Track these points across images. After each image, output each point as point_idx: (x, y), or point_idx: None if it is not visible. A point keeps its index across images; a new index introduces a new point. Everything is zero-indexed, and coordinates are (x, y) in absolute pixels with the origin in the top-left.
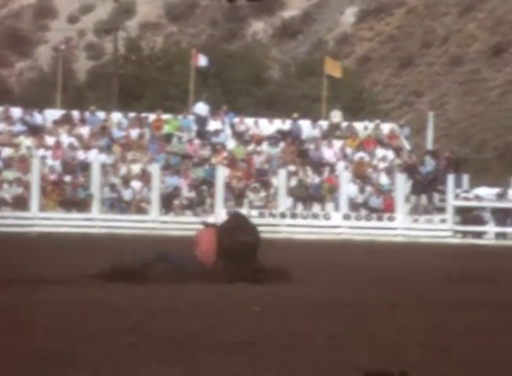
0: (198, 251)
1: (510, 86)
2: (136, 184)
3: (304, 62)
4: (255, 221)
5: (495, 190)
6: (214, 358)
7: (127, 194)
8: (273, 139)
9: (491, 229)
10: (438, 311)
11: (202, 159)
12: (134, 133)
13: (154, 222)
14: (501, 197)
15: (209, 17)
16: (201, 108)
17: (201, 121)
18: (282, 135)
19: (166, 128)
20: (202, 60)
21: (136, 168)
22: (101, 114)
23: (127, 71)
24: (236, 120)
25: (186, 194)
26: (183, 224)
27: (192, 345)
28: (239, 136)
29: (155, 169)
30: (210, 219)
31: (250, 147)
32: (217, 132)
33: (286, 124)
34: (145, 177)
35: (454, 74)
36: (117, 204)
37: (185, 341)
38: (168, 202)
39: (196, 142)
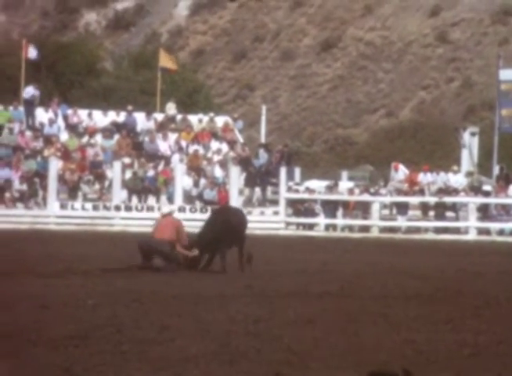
0: (158, 230)
1: (340, 81)
2: None
3: (137, 54)
4: (89, 214)
5: (325, 183)
6: (43, 352)
7: None
8: (107, 131)
9: (321, 221)
10: (268, 301)
11: (34, 151)
12: None
13: None
14: (330, 189)
15: (40, 7)
16: (29, 92)
17: (28, 107)
18: (116, 127)
19: None
20: (32, 52)
21: None
22: None
23: None
24: (70, 111)
25: (18, 187)
26: (15, 217)
27: (21, 339)
28: (72, 128)
29: None
30: (165, 209)
31: (84, 139)
32: (49, 124)
33: (120, 117)
34: None
35: (285, 68)
36: None
37: (15, 336)
38: None
39: (28, 133)
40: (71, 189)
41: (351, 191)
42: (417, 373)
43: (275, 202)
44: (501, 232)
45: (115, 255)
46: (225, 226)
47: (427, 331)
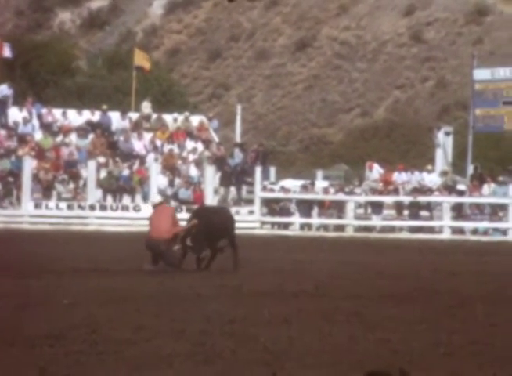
0: (154, 226)
1: (314, 81)
2: None
3: (112, 53)
4: (64, 213)
5: (301, 182)
6: (19, 351)
7: None
8: (82, 131)
9: (296, 220)
10: (243, 301)
11: (8, 150)
12: None
13: None
14: (306, 188)
15: (14, 6)
16: (2, 91)
17: (1, 106)
18: (91, 126)
19: None
20: (6, 51)
21: None
22: None
23: None
24: (44, 111)
25: None
26: None
27: None
28: (46, 127)
29: None
30: (157, 199)
31: (59, 138)
32: (23, 123)
33: (95, 116)
34: None
35: (260, 67)
36: None
37: None
38: None
39: (2, 132)
40: (45, 189)
41: (326, 190)
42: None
43: (250, 201)
44: (475, 231)
45: (90, 255)
46: (207, 226)
47: (402, 331)
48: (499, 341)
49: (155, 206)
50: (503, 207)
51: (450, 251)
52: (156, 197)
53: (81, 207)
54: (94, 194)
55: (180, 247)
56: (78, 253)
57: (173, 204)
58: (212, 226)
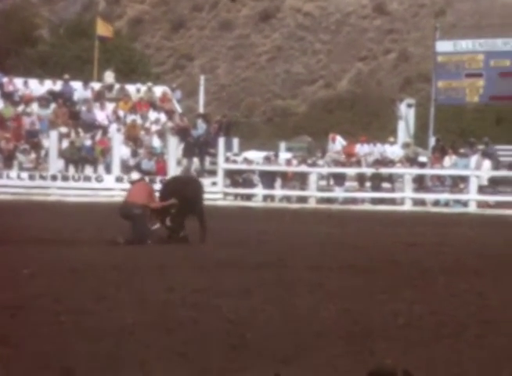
0: (130, 194)
1: (278, 52)
2: None
3: (74, 22)
4: (25, 183)
5: (264, 154)
6: None
7: None
8: (44, 100)
9: (259, 191)
10: (206, 272)
11: None
12: None
13: None
14: (269, 160)
15: None
16: None
17: None
18: (53, 96)
19: None
20: None
21: None
22: None
23: None
24: (5, 80)
25: None
26: None
27: None
28: (7, 97)
29: None
30: (135, 176)
31: (20, 108)
32: None
33: (57, 85)
34: None
35: (224, 38)
36: None
37: None
38: None
39: None
40: (6, 159)
41: (289, 162)
42: (354, 342)
43: (213, 173)
44: (436, 203)
45: (52, 225)
46: (178, 197)
47: (363, 301)
48: (459, 312)
49: (133, 183)
50: (464, 179)
51: (411, 222)
52: (134, 174)
53: (42, 178)
54: (56, 164)
55: (160, 227)
56: (40, 223)
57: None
58: (187, 200)
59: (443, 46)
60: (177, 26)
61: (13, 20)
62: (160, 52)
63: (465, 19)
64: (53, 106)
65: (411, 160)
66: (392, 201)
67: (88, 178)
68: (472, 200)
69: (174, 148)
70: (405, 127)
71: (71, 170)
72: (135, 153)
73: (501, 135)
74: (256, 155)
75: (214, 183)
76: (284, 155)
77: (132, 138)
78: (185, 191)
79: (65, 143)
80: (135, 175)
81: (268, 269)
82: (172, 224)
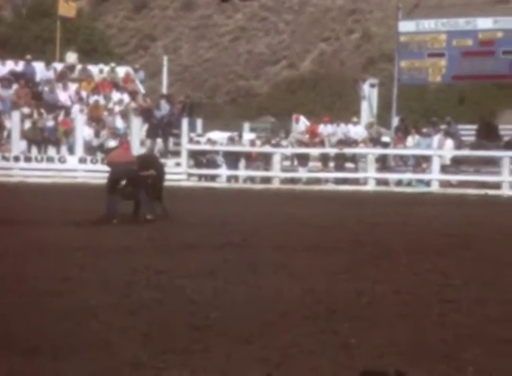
0: (114, 155)
1: (241, 32)
2: None
3: (36, 2)
4: None
5: (227, 134)
6: None
7: None
8: (6, 81)
9: (223, 172)
10: (170, 253)
11: None
12: None
13: None
14: (232, 140)
15: None
16: None
17: None
18: (15, 76)
19: None
20: None
21: None
22: None
23: None
24: None
25: None
26: None
27: None
28: None
29: None
30: (111, 144)
31: None
32: None
33: (19, 66)
34: None
35: (187, 18)
36: None
37: None
38: None
39: None
40: None
41: (252, 143)
42: (318, 322)
43: (177, 153)
44: (399, 182)
45: (15, 206)
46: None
47: (326, 281)
48: (421, 291)
49: (110, 150)
50: (427, 159)
51: (375, 202)
52: (111, 142)
53: (5, 159)
54: (18, 145)
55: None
56: (2, 204)
57: (99, 156)
58: (157, 176)
59: (406, 26)
60: (139, 6)
61: None
62: (123, 32)
63: None
64: (15, 86)
65: (374, 141)
66: (356, 181)
67: (51, 159)
68: (435, 179)
69: (138, 129)
70: (368, 107)
71: (34, 151)
72: (98, 134)
73: (464, 115)
74: (220, 136)
75: (177, 164)
76: (248, 136)
77: (95, 118)
78: (155, 167)
79: (27, 124)
80: (112, 143)
81: (232, 250)
82: (149, 197)
